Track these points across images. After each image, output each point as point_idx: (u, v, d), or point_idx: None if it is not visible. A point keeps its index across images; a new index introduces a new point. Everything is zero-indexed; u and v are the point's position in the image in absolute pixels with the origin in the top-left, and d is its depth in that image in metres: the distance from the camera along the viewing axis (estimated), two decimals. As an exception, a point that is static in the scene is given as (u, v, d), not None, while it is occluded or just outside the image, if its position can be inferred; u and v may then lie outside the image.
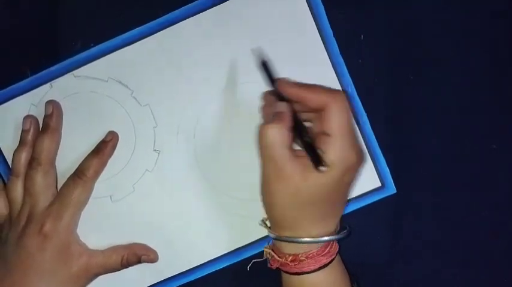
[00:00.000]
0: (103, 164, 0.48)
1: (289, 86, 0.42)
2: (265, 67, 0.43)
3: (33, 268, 0.45)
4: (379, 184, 0.49)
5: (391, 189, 0.49)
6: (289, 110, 0.42)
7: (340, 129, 0.41)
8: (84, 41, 0.48)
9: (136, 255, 0.48)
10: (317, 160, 0.40)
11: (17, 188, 0.47)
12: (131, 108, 0.49)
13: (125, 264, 0.48)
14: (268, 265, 0.45)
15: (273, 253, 0.44)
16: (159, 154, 0.49)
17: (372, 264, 0.49)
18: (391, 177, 0.49)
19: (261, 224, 0.46)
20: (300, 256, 0.43)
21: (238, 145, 0.48)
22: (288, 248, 0.43)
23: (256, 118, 0.46)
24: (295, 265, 0.43)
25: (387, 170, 0.49)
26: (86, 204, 0.48)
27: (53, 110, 0.48)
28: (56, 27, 0.49)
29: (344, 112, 0.41)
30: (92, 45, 0.48)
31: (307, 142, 0.41)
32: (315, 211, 0.42)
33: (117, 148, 0.49)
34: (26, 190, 0.47)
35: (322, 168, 0.40)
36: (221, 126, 0.49)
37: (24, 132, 0.47)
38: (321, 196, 0.41)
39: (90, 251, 0.48)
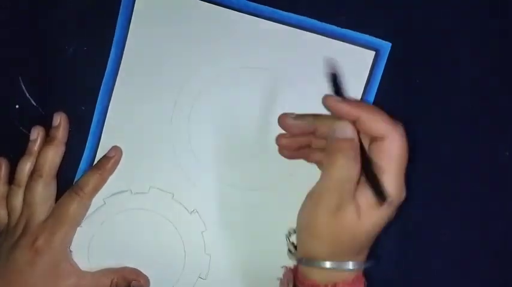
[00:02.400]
0: (103, 181, 0.47)
1: (350, 105, 0.37)
2: (334, 79, 0.38)
3: (19, 283, 0.44)
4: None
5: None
6: (356, 135, 0.37)
7: (399, 165, 0.37)
8: (77, 46, 0.48)
9: (126, 279, 0.47)
10: (380, 194, 0.36)
11: (17, 198, 0.46)
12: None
13: None
14: None
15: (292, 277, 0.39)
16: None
17: (380, 280, 0.45)
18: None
19: (287, 236, 0.41)
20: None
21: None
22: (314, 275, 0.39)
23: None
24: None
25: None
26: (82, 220, 0.47)
27: (61, 122, 0.47)
28: (48, 32, 0.48)
29: (404, 148, 0.37)
30: (85, 49, 0.48)
31: (372, 174, 0.37)
32: (355, 245, 0.38)
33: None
34: (25, 200, 0.46)
35: (384, 205, 0.36)
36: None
37: (31, 142, 0.47)
38: (367, 233, 0.38)
39: (80, 272, 0.46)
